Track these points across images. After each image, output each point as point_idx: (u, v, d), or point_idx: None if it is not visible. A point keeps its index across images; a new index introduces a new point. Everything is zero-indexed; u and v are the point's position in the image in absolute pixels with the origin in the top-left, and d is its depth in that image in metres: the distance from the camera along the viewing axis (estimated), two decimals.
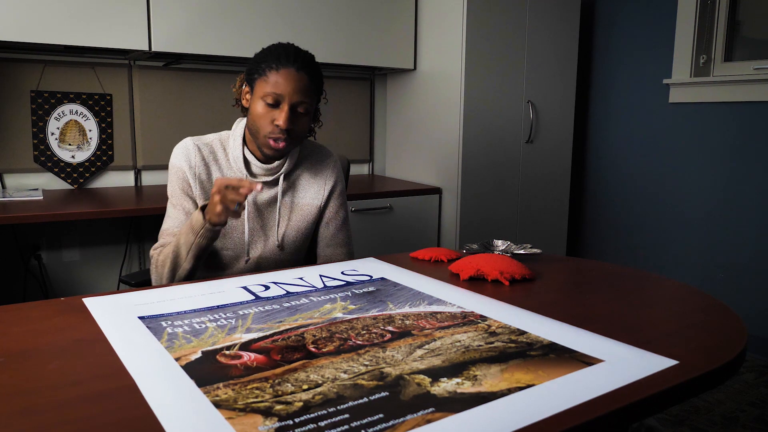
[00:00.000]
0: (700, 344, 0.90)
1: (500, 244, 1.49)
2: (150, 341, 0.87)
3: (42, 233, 2.48)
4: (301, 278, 1.23)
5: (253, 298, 1.10)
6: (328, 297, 1.11)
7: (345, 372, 0.77)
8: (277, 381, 0.74)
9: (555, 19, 3.01)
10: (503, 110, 2.91)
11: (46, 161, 2.45)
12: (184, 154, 1.40)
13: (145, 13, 2.29)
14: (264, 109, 1.32)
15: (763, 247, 2.75)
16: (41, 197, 2.22)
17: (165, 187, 2.62)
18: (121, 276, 2.65)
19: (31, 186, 2.46)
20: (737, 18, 2.93)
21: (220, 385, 0.73)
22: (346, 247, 1.57)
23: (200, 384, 0.73)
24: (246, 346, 0.86)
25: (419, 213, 2.86)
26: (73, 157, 2.50)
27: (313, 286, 1.17)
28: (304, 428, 0.63)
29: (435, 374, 0.77)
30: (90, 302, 1.05)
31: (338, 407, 0.68)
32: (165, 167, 2.70)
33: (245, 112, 1.45)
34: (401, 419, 0.65)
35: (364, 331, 0.92)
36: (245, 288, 1.16)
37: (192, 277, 1.33)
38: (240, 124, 1.45)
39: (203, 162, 1.41)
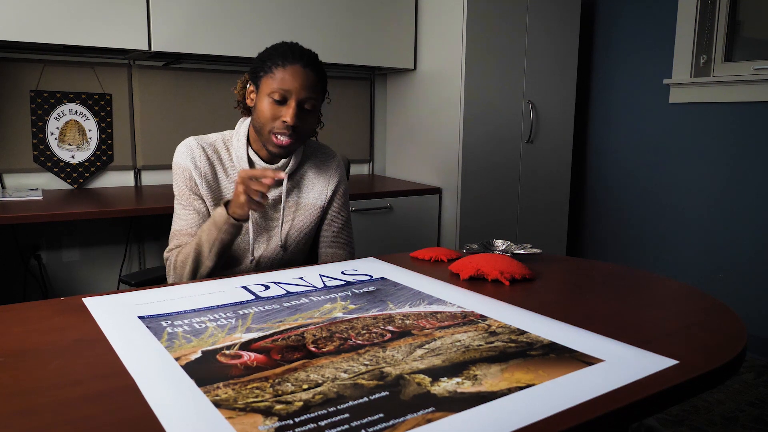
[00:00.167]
0: (700, 344, 0.90)
1: (500, 244, 1.49)
2: (150, 341, 0.87)
3: (42, 233, 2.48)
4: (301, 278, 1.23)
5: (253, 297, 1.10)
6: (328, 297, 1.11)
7: (345, 372, 0.77)
8: (277, 381, 0.74)
9: (555, 19, 3.01)
10: (503, 110, 2.91)
11: (46, 161, 2.44)
12: (189, 153, 1.40)
13: (145, 12, 2.29)
14: (271, 106, 1.32)
15: (763, 247, 2.75)
16: (41, 197, 2.22)
17: (165, 186, 2.62)
18: (120, 276, 2.65)
19: (31, 186, 2.46)
20: (737, 18, 2.93)
21: (220, 384, 0.73)
22: (348, 247, 1.57)
23: (200, 384, 0.73)
24: (246, 345, 0.86)
25: (419, 213, 2.86)
26: (72, 157, 2.50)
27: (313, 286, 1.17)
28: (304, 428, 0.63)
29: (435, 374, 0.77)
30: (90, 302, 1.05)
31: (338, 407, 0.68)
32: (165, 167, 2.70)
33: (248, 112, 1.45)
34: (401, 419, 0.65)
35: (364, 331, 0.92)
36: (245, 288, 1.16)
37: (211, 276, 1.33)
38: (244, 124, 1.44)
39: (208, 161, 1.41)
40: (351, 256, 1.57)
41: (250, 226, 1.42)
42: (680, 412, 2.20)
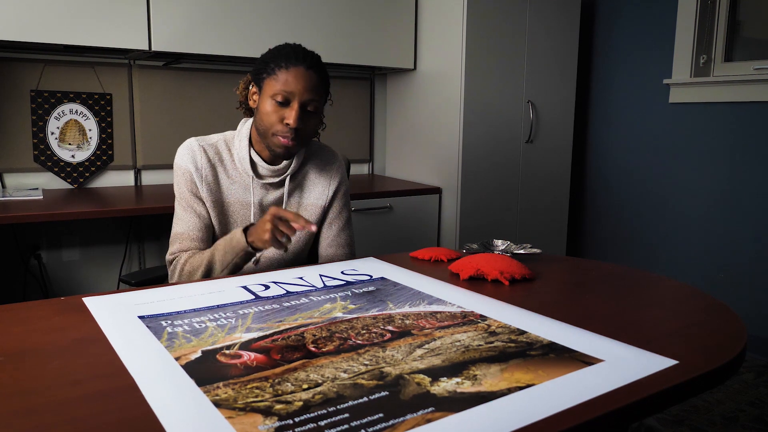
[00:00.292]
0: (700, 344, 0.90)
1: (500, 244, 1.49)
2: (150, 341, 0.87)
3: (42, 233, 2.48)
4: (301, 278, 1.23)
5: (253, 297, 1.10)
6: (328, 296, 1.11)
7: (345, 371, 0.77)
8: (277, 380, 0.74)
9: (555, 19, 3.01)
10: (503, 110, 2.91)
11: (46, 161, 2.45)
12: (190, 155, 1.39)
13: (145, 12, 2.29)
14: (273, 108, 1.32)
15: (763, 247, 2.75)
16: (41, 197, 2.22)
17: (165, 186, 2.62)
18: (121, 275, 2.65)
19: (31, 185, 2.46)
20: (737, 18, 2.93)
21: (220, 384, 0.73)
22: (348, 247, 1.57)
23: (200, 383, 0.73)
24: (246, 345, 0.86)
25: (419, 213, 2.86)
26: (73, 156, 2.50)
27: (313, 286, 1.17)
28: (304, 428, 0.63)
29: (435, 374, 0.77)
30: (90, 302, 1.05)
31: (338, 407, 0.68)
32: (165, 167, 2.70)
33: (251, 113, 1.45)
34: (401, 419, 0.65)
35: (364, 331, 0.92)
36: (245, 287, 1.16)
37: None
38: (246, 125, 1.44)
39: (209, 163, 1.41)
40: (351, 256, 1.57)
41: None
42: (680, 412, 2.20)
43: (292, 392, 0.71)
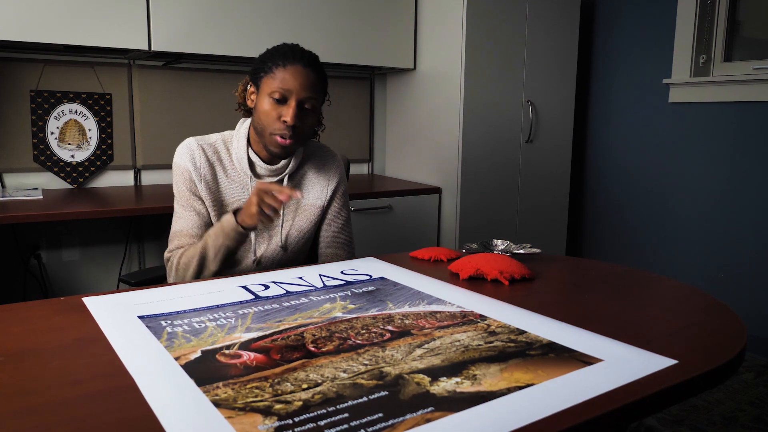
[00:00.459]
0: (700, 344, 0.90)
1: (500, 244, 1.49)
2: (150, 341, 0.87)
3: (42, 233, 2.48)
4: (300, 278, 1.23)
5: (253, 297, 1.10)
6: (327, 296, 1.11)
7: (344, 371, 0.77)
8: (276, 380, 0.74)
9: (555, 19, 3.01)
10: (503, 110, 2.91)
11: (46, 161, 2.45)
12: (189, 154, 1.40)
13: (145, 12, 2.29)
14: (271, 106, 1.32)
15: (763, 247, 2.75)
16: (41, 197, 2.22)
17: (165, 186, 2.62)
18: (120, 275, 2.65)
19: (31, 185, 2.46)
20: (737, 18, 2.93)
21: (220, 384, 0.73)
22: (348, 247, 1.57)
23: (200, 383, 0.73)
24: (245, 345, 0.86)
25: (419, 213, 2.86)
26: (72, 156, 2.50)
27: (313, 286, 1.17)
28: (303, 427, 0.63)
29: (434, 373, 0.77)
30: (90, 302, 1.05)
31: (338, 406, 0.68)
32: (165, 167, 2.70)
33: (249, 113, 1.45)
34: (401, 418, 0.65)
35: (364, 331, 0.92)
36: (245, 287, 1.16)
37: (212, 276, 1.33)
38: (244, 124, 1.45)
39: (208, 162, 1.41)
40: (351, 255, 1.57)
41: None
42: (680, 412, 2.20)
43: (291, 392, 0.71)
